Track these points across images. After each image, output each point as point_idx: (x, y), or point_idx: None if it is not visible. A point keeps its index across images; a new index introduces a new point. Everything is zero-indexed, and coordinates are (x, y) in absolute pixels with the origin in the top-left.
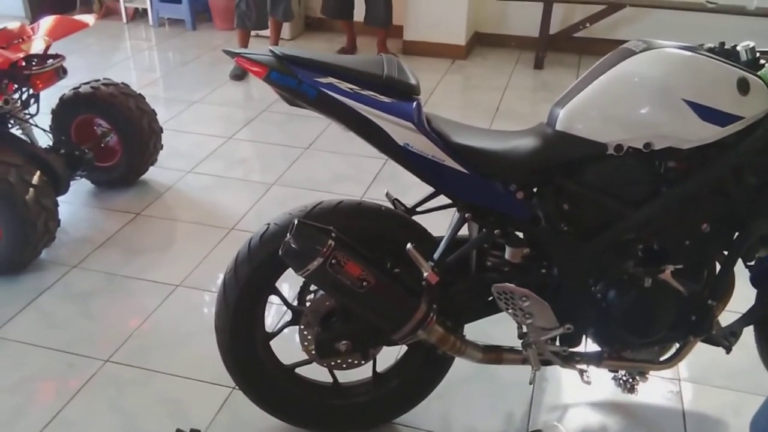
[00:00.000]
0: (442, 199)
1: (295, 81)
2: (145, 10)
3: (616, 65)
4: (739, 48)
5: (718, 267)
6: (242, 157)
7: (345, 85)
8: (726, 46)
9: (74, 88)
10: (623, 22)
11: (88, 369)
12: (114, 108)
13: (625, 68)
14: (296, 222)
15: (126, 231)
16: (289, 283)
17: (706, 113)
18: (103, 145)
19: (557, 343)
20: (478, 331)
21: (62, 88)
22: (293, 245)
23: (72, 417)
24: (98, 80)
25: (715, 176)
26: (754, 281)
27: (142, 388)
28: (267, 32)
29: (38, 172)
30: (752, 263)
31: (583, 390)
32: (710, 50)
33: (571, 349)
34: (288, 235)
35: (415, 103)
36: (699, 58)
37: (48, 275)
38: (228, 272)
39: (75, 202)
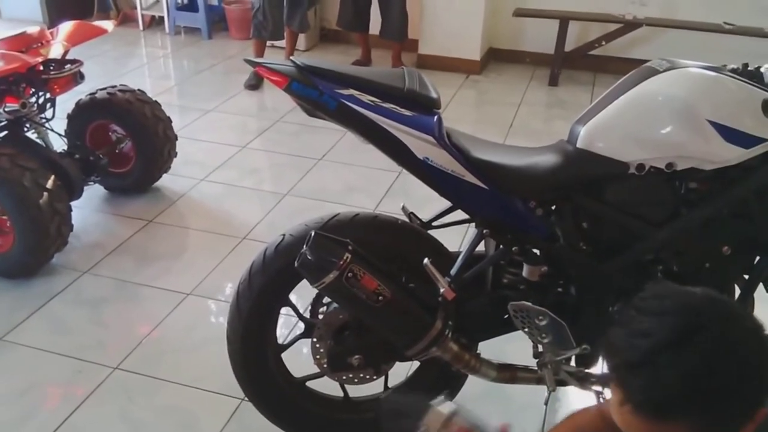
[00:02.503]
0: (458, 214)
1: (315, 92)
2: (161, 18)
3: (639, 84)
4: (763, 69)
5: (737, 291)
6: (255, 166)
7: (366, 98)
8: (749, 68)
9: (90, 94)
10: (639, 41)
11: (97, 376)
12: (130, 114)
13: (648, 87)
14: (313, 234)
15: (138, 238)
16: (302, 295)
17: (730, 134)
18: (117, 151)
19: (573, 363)
20: (493, 349)
21: (78, 93)
22: (309, 257)
23: (80, 423)
24: (115, 86)
25: (737, 199)
26: None
27: (150, 397)
28: (282, 43)
29: (52, 177)
30: None
31: None
32: (734, 71)
33: (587, 370)
34: (304, 246)
35: (436, 117)
36: (724, 78)
37: (59, 280)
38: (242, 282)
39: (88, 208)
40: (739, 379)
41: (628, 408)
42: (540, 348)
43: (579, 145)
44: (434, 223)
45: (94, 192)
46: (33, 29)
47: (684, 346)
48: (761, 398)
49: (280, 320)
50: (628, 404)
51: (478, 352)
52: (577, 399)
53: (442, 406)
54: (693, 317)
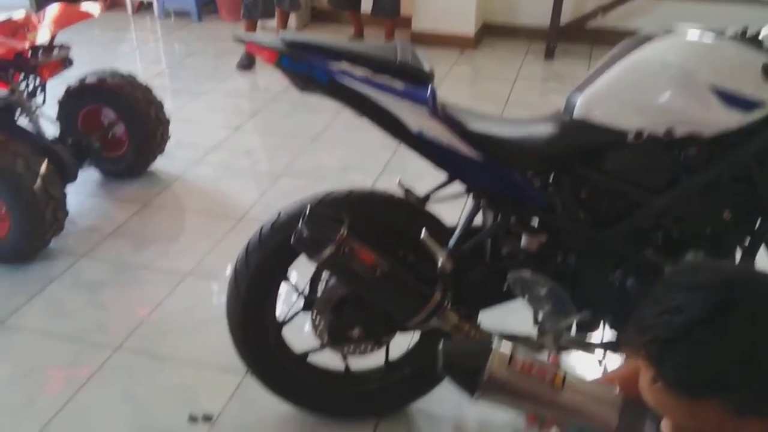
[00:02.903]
0: (455, 188)
1: (306, 67)
2: (150, 2)
3: (636, 50)
4: (762, 35)
5: (739, 254)
6: (250, 147)
7: (358, 71)
8: (748, 32)
9: (81, 79)
10: (636, 12)
11: (98, 357)
12: (121, 98)
13: (645, 53)
14: (308, 210)
15: (134, 221)
16: (301, 272)
17: (730, 99)
18: (110, 135)
19: (574, 331)
20: (493, 319)
21: (69, 78)
22: (305, 233)
23: (84, 404)
24: (105, 71)
25: (737, 163)
26: None
27: (153, 376)
28: (273, 23)
29: (46, 162)
30: None
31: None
32: (733, 36)
33: (588, 337)
34: (300, 223)
35: (429, 90)
36: (723, 43)
37: (57, 265)
38: (239, 260)
39: (83, 193)
40: None
41: (661, 386)
42: (540, 316)
43: (576, 114)
44: (431, 198)
45: (88, 177)
46: (19, 14)
47: (718, 321)
48: None
49: (280, 296)
50: (661, 382)
51: (478, 322)
52: (578, 366)
53: (503, 347)
54: (727, 291)
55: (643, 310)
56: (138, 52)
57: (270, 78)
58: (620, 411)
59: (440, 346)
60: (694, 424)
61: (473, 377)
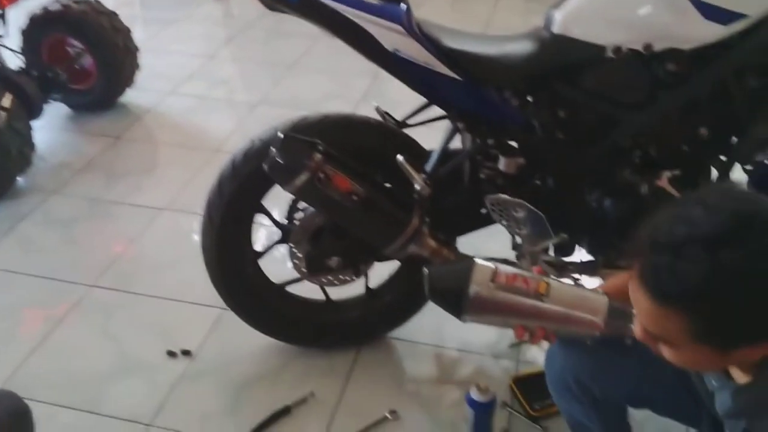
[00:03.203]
0: (434, 112)
1: None
2: None
3: None
4: None
5: (714, 173)
6: (225, 76)
7: None
8: None
9: (44, 7)
10: None
11: (73, 294)
12: (86, 26)
13: None
14: (281, 135)
15: (106, 155)
16: (278, 201)
17: (709, 11)
18: (77, 66)
19: (551, 253)
20: (471, 245)
21: (31, 7)
22: (279, 159)
23: (61, 342)
24: None
25: (716, 79)
26: (754, 185)
27: (130, 312)
28: None
29: (9, 96)
30: (750, 168)
31: None
32: None
33: (566, 258)
34: (273, 149)
35: (404, 5)
36: None
37: (27, 202)
38: (212, 191)
39: (51, 127)
40: (756, 302)
41: (638, 284)
42: (518, 240)
43: (554, 30)
44: (409, 122)
45: (57, 111)
46: None
47: (719, 248)
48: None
49: (259, 228)
50: (640, 280)
51: (456, 247)
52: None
53: (485, 262)
54: (743, 225)
55: (662, 210)
56: None
57: (244, 4)
58: (607, 315)
59: (425, 270)
60: (657, 331)
61: (459, 297)
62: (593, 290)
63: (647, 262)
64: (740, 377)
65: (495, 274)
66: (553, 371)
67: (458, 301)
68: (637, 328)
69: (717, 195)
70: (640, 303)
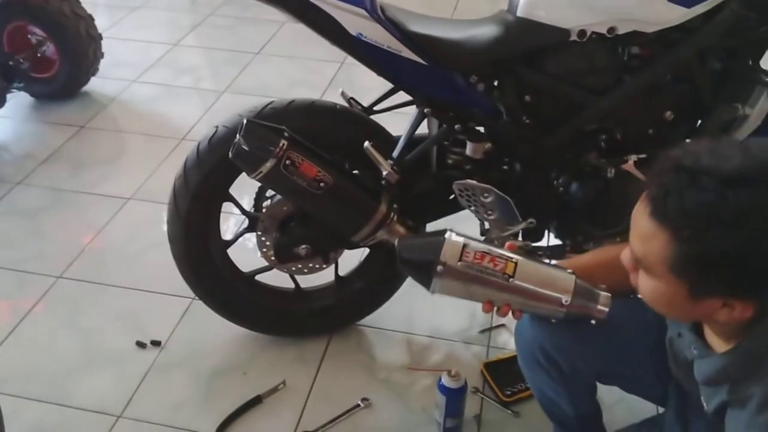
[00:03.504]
0: (400, 98)
1: None
2: None
3: None
4: None
5: None
6: (190, 64)
7: None
8: None
9: None
10: None
11: (41, 286)
12: (47, 13)
13: None
14: (246, 122)
15: (71, 145)
16: (246, 190)
17: None
18: (39, 54)
19: (520, 238)
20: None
21: None
22: (244, 146)
23: (28, 334)
24: None
25: (679, 61)
26: None
27: (98, 303)
28: None
29: None
30: None
31: None
32: None
33: (534, 244)
34: (238, 136)
35: None
36: None
37: None
38: (177, 179)
39: (14, 117)
40: (737, 252)
41: (644, 198)
42: (486, 225)
43: (519, 13)
44: (375, 108)
45: (19, 100)
46: None
47: (732, 186)
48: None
49: (227, 217)
50: (647, 194)
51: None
52: None
53: (455, 237)
54: (765, 180)
55: (703, 139)
56: None
57: None
58: (573, 294)
59: (396, 242)
60: (641, 253)
61: (428, 270)
62: (562, 269)
63: (661, 180)
64: (719, 346)
65: (464, 251)
66: (523, 343)
67: (427, 274)
68: (624, 253)
69: (759, 146)
70: (637, 221)
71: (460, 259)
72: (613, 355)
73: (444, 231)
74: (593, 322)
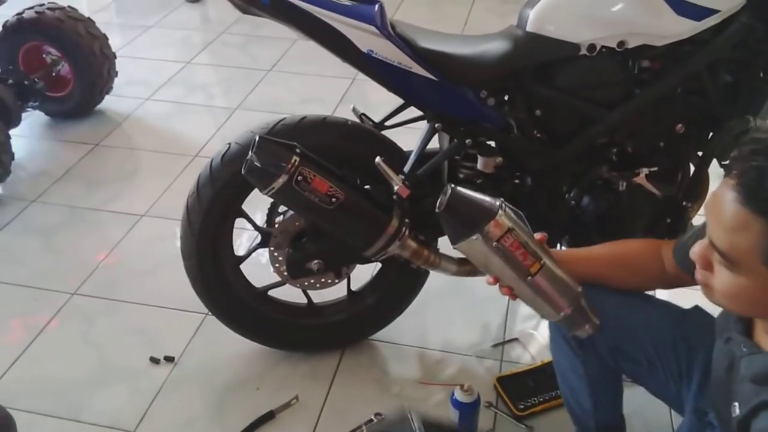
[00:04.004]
0: (411, 113)
1: None
2: None
3: None
4: None
5: (692, 168)
6: (203, 82)
7: None
8: None
9: (17, 14)
10: None
11: (55, 303)
12: (62, 33)
13: None
14: (258, 138)
15: (85, 162)
16: (258, 206)
17: (682, 7)
18: (54, 73)
19: None
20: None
21: (5, 16)
22: (256, 163)
23: (42, 350)
24: (42, 4)
25: (689, 74)
26: None
27: (112, 319)
28: None
29: None
30: (727, 162)
31: None
32: None
33: None
34: (250, 152)
35: (377, 6)
36: None
37: (6, 211)
38: (190, 196)
39: (30, 136)
40: None
41: (729, 186)
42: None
43: (529, 28)
44: (387, 123)
45: (35, 119)
46: None
47: None
48: None
49: (238, 232)
50: (736, 182)
51: (437, 247)
52: None
53: (505, 218)
54: None
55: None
56: None
57: (221, 9)
58: (573, 310)
59: (450, 186)
60: (725, 247)
61: (465, 231)
62: (574, 283)
63: (754, 163)
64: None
65: (506, 235)
66: None
67: (461, 233)
68: (695, 249)
69: None
70: (723, 211)
71: (498, 240)
72: (629, 333)
73: (498, 202)
74: (574, 335)
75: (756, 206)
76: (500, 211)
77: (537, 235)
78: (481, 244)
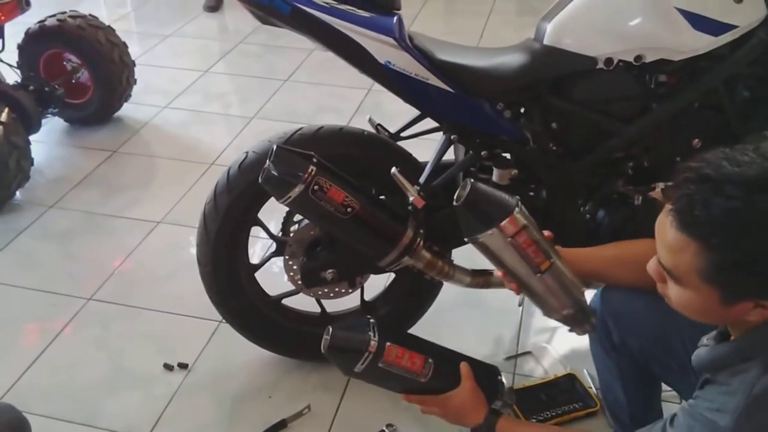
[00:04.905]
0: (427, 124)
1: None
2: None
3: None
4: None
5: None
6: (220, 90)
7: (320, 0)
8: None
9: (40, 22)
10: None
11: (71, 308)
12: (83, 41)
13: None
14: (275, 148)
15: (103, 169)
16: (274, 215)
17: (700, 22)
18: (74, 80)
19: None
20: (465, 257)
21: (28, 23)
22: (273, 172)
23: (58, 355)
24: (64, 12)
25: (707, 89)
26: None
27: (127, 325)
28: None
29: (6, 110)
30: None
31: None
32: None
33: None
34: (267, 161)
35: (395, 18)
36: None
37: (25, 216)
38: (208, 203)
39: (49, 141)
40: None
41: (669, 210)
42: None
43: (546, 41)
44: (403, 134)
45: (54, 125)
46: None
47: (757, 191)
48: None
49: (255, 241)
50: (673, 206)
51: (451, 258)
52: None
53: (520, 216)
54: None
55: (720, 150)
56: None
57: (239, 19)
58: (575, 310)
59: (470, 181)
60: (670, 264)
61: (480, 225)
62: (580, 283)
63: (686, 191)
64: None
65: (520, 231)
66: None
67: (475, 227)
68: (650, 265)
69: None
70: (664, 233)
71: (513, 236)
72: (661, 337)
73: (515, 201)
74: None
75: (688, 231)
76: (517, 208)
77: (544, 233)
78: (496, 239)
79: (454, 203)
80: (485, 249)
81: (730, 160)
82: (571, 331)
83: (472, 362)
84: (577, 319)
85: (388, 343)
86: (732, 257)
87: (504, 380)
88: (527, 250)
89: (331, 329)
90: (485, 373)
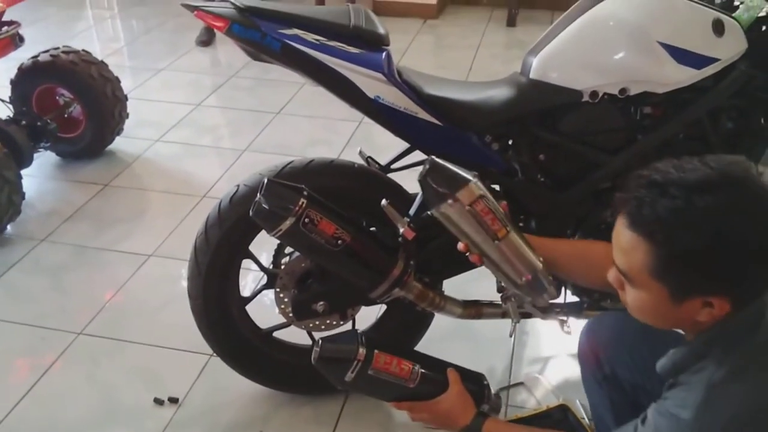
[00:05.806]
0: (417, 156)
1: (258, 34)
2: None
3: (589, 9)
4: None
5: None
6: (212, 124)
7: (311, 37)
8: None
9: (33, 57)
10: None
11: (61, 342)
12: (75, 76)
13: (598, 12)
14: (266, 181)
15: (95, 202)
16: (265, 247)
17: (682, 56)
18: (66, 115)
19: None
20: (456, 288)
21: (21, 58)
22: (264, 205)
23: (48, 390)
24: (57, 48)
25: (691, 120)
26: None
27: (118, 360)
28: None
29: None
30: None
31: (563, 341)
32: None
33: (551, 301)
34: (258, 195)
35: (384, 54)
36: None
37: (16, 250)
38: (198, 236)
39: (40, 175)
40: (715, 252)
41: (621, 214)
42: (503, 282)
43: (532, 75)
44: (393, 166)
45: (46, 159)
46: None
47: (698, 193)
48: (721, 287)
49: (246, 274)
50: (624, 209)
51: (442, 290)
52: (541, 329)
53: (476, 186)
54: (726, 182)
55: (668, 160)
56: (94, 30)
57: (231, 53)
58: (533, 277)
59: (432, 158)
60: (623, 265)
61: (440, 197)
62: (536, 255)
63: (636, 195)
64: None
65: (477, 200)
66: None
67: (438, 198)
68: (610, 273)
69: (715, 158)
70: (619, 236)
71: (470, 205)
72: (651, 371)
73: (473, 175)
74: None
75: (638, 230)
76: (473, 180)
77: (501, 203)
78: (456, 207)
79: (419, 178)
80: (448, 219)
81: (677, 167)
82: (534, 306)
83: (459, 369)
84: (535, 287)
85: (376, 351)
86: (675, 252)
87: (490, 385)
88: (485, 218)
89: (320, 341)
90: (472, 379)
